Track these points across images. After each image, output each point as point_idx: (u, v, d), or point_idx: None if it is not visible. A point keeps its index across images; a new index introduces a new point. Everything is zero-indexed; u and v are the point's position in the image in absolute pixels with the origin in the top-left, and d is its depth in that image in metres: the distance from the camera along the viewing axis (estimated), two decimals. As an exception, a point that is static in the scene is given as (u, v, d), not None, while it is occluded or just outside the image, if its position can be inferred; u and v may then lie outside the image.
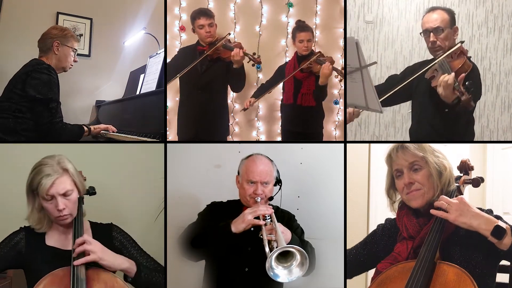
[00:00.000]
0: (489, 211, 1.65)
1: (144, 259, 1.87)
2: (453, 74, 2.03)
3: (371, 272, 1.86)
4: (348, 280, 2.05)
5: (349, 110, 2.41)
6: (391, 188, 1.86)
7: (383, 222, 1.96)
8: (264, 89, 3.05)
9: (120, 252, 1.84)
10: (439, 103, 2.16)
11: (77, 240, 1.69)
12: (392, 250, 1.77)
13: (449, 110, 2.13)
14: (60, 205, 1.72)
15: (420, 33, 2.34)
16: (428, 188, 1.73)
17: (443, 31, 2.25)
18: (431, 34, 2.26)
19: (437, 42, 2.26)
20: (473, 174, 1.84)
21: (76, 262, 1.64)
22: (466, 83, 2.03)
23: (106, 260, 1.70)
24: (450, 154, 1.93)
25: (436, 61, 2.22)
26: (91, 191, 1.91)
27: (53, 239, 1.80)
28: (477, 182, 1.77)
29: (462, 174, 1.83)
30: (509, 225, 1.55)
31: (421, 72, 2.28)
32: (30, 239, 1.78)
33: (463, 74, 2.05)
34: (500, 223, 1.52)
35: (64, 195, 1.74)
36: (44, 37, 2.55)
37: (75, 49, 2.61)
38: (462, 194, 1.74)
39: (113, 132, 2.83)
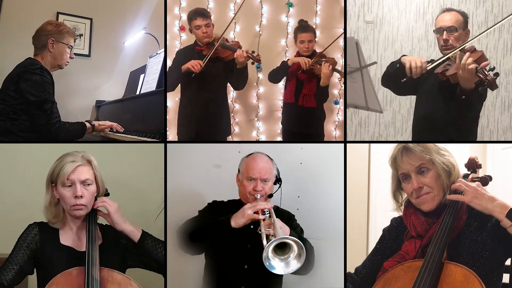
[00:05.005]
0: None
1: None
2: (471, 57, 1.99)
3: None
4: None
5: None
6: (397, 191, 1.83)
7: (384, 222, 1.94)
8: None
9: (127, 250, 1.86)
10: (452, 93, 2.11)
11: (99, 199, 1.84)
12: (400, 248, 1.75)
13: (466, 97, 2.07)
14: (78, 191, 1.75)
15: (434, 31, 2.34)
16: (437, 190, 1.71)
17: (456, 31, 2.25)
18: (444, 32, 2.26)
19: (449, 41, 2.25)
20: (480, 173, 1.80)
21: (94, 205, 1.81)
22: (492, 67, 2.00)
23: (115, 217, 1.80)
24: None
25: (450, 54, 2.19)
26: (106, 193, 1.92)
27: (67, 239, 1.80)
28: (485, 180, 1.72)
29: (469, 172, 1.79)
30: None
31: (434, 65, 2.23)
32: (44, 236, 1.78)
33: (486, 62, 2.02)
34: None
35: (84, 183, 1.77)
36: (38, 33, 2.43)
37: (71, 46, 2.49)
38: None
39: (120, 130, 2.79)
